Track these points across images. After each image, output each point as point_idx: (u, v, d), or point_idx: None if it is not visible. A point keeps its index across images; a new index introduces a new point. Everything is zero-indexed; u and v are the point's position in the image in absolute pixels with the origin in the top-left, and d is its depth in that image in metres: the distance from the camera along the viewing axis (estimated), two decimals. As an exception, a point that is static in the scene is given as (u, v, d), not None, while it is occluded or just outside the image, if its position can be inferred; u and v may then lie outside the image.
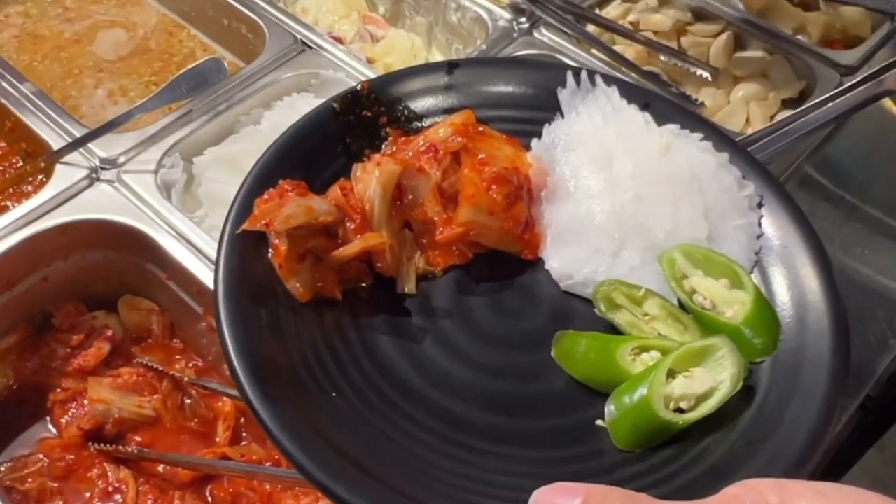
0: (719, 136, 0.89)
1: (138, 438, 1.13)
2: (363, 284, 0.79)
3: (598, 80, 0.92)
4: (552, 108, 0.91)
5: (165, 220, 1.15)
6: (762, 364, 0.75)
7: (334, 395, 0.71)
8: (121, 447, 1.10)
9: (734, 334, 0.74)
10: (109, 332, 1.19)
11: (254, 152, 1.22)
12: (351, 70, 1.34)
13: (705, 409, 0.70)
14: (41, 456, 1.11)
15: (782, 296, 0.79)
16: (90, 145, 1.23)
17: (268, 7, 1.45)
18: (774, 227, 0.83)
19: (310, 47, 1.39)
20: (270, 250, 0.75)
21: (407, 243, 0.81)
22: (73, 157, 1.22)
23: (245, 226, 0.75)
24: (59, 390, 1.15)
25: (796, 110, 1.11)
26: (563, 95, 0.91)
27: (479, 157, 0.82)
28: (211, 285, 1.08)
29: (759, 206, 0.85)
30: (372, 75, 1.32)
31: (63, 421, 1.13)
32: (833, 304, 0.77)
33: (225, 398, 1.13)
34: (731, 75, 1.39)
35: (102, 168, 1.21)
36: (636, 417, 0.71)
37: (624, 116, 0.90)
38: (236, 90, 1.31)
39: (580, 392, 0.75)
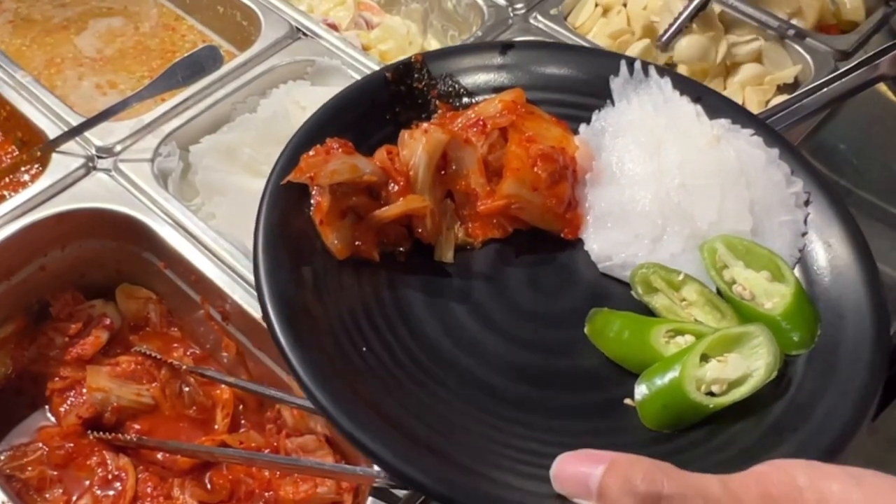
0: (770, 133, 0.89)
1: (137, 426, 1.14)
2: (401, 249, 0.79)
3: (652, 70, 0.92)
4: (603, 96, 0.91)
5: (162, 209, 1.15)
6: (798, 357, 0.75)
7: (364, 349, 0.72)
8: (120, 435, 1.10)
9: (773, 326, 0.74)
10: (107, 321, 1.19)
11: (249, 141, 1.24)
12: (346, 57, 1.34)
13: (737, 395, 0.70)
14: (40, 444, 1.11)
15: (823, 292, 0.79)
16: (86, 134, 1.22)
17: (262, -7, 1.45)
18: (820, 225, 0.83)
19: (305, 34, 1.39)
20: (312, 206, 0.76)
21: (448, 213, 0.82)
22: (70, 145, 1.22)
23: (290, 177, 0.76)
24: (57, 379, 1.15)
25: (792, 95, 1.12)
26: (615, 83, 0.92)
27: (527, 134, 0.83)
28: (208, 273, 1.10)
29: (807, 203, 0.85)
30: (368, 62, 1.32)
31: (62, 409, 1.14)
32: (875, 304, 0.77)
33: (223, 386, 1.14)
34: (724, 62, 1.39)
35: (99, 157, 1.21)
36: (667, 398, 0.71)
37: (675, 107, 0.90)
38: (232, 78, 1.30)
39: (610, 370, 0.76)
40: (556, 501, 0.61)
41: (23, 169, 1.26)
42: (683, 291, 0.79)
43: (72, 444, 1.10)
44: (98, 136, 1.23)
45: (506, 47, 0.94)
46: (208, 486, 1.09)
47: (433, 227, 0.79)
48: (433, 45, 1.53)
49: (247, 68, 1.32)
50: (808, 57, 1.36)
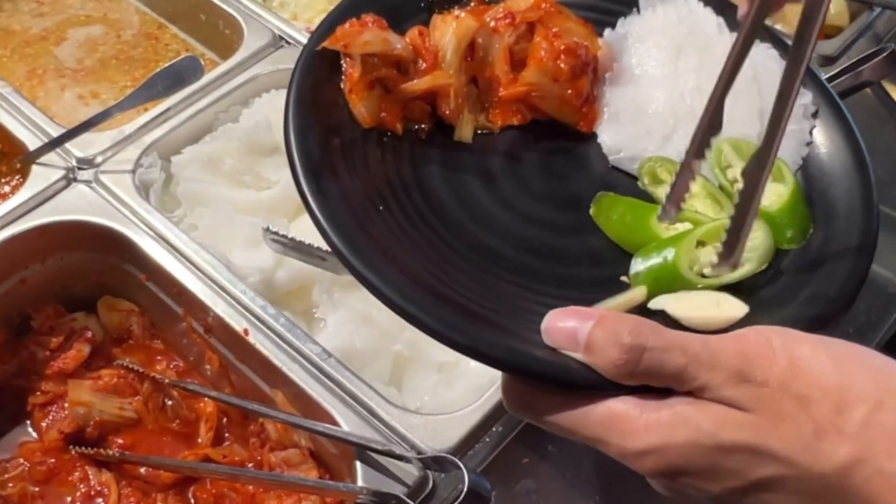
0: (785, 48, 0.92)
1: (120, 441, 1.13)
2: (424, 126, 0.83)
3: None
4: (630, 4, 0.94)
5: (143, 221, 1.14)
6: (790, 252, 0.78)
7: (381, 208, 0.75)
8: (102, 450, 1.09)
9: (768, 221, 0.77)
10: (89, 334, 1.18)
11: (231, 151, 1.24)
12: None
13: (726, 279, 0.72)
14: (22, 460, 1.10)
15: (819, 196, 0.83)
16: (67, 145, 1.21)
17: (245, 1, 1.44)
18: (824, 136, 0.87)
19: (288, 43, 1.38)
20: (343, 77, 0.80)
21: (471, 98, 0.85)
22: (50, 157, 1.21)
23: (325, 44, 0.79)
24: (38, 393, 1.14)
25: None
26: None
27: (554, 30, 0.86)
28: (190, 286, 1.09)
29: (814, 116, 0.88)
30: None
31: (44, 424, 1.12)
32: (866, 208, 0.81)
33: (207, 399, 1.13)
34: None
35: (79, 168, 1.20)
36: (659, 272, 0.73)
37: (698, 17, 0.93)
38: (213, 87, 1.29)
39: (611, 251, 0.79)
40: (545, 350, 0.63)
41: (3, 181, 1.25)
42: None
43: (53, 460, 1.09)
44: (79, 148, 1.22)
45: None
46: (192, 500, 1.08)
47: (456, 106, 0.83)
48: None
49: (229, 77, 1.31)
50: (792, 62, 1.36)
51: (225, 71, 1.31)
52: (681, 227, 0.77)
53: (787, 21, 1.44)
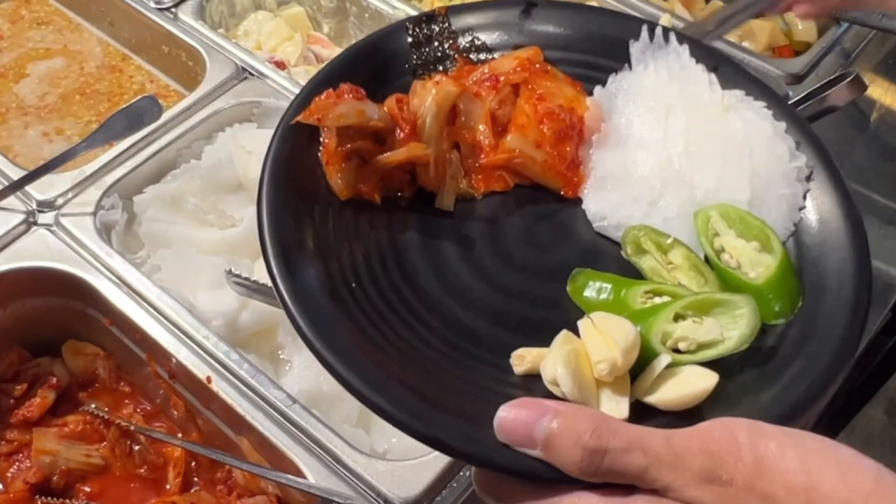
0: (782, 106, 0.89)
1: (87, 489, 1.11)
2: (404, 194, 0.81)
3: (672, 37, 0.92)
4: (622, 59, 0.91)
5: (105, 265, 1.13)
6: (776, 326, 0.75)
7: (354, 285, 0.73)
8: (69, 500, 1.07)
9: (755, 294, 0.74)
10: (54, 380, 1.16)
11: (194, 190, 1.22)
12: (293, 98, 1.31)
13: (701, 357, 0.69)
14: (-13, 512, 1.09)
15: (811, 266, 0.80)
16: (27, 187, 1.20)
17: (207, 33, 1.42)
18: (818, 200, 0.84)
19: (251, 75, 1.37)
20: (321, 147, 0.78)
21: (453, 163, 0.83)
22: (9, 200, 1.19)
23: (299, 117, 0.78)
24: (3, 442, 1.12)
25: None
26: (635, 48, 0.91)
27: (538, 92, 0.85)
28: (152, 332, 1.08)
29: (808, 178, 0.85)
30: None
31: (9, 474, 1.11)
32: (859, 282, 0.77)
33: (174, 443, 1.11)
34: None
35: (40, 211, 1.19)
36: None
37: (689, 75, 0.90)
38: (175, 123, 1.28)
39: None
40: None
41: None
42: (671, 255, 0.80)
43: (19, 511, 1.08)
44: (39, 190, 1.20)
45: (529, 5, 0.96)
46: (161, 548, 1.07)
47: (436, 175, 0.81)
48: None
49: (191, 112, 1.30)
50: (759, 81, 1.35)
51: (186, 106, 1.30)
52: (659, 300, 0.74)
53: (754, 38, 1.43)
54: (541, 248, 0.82)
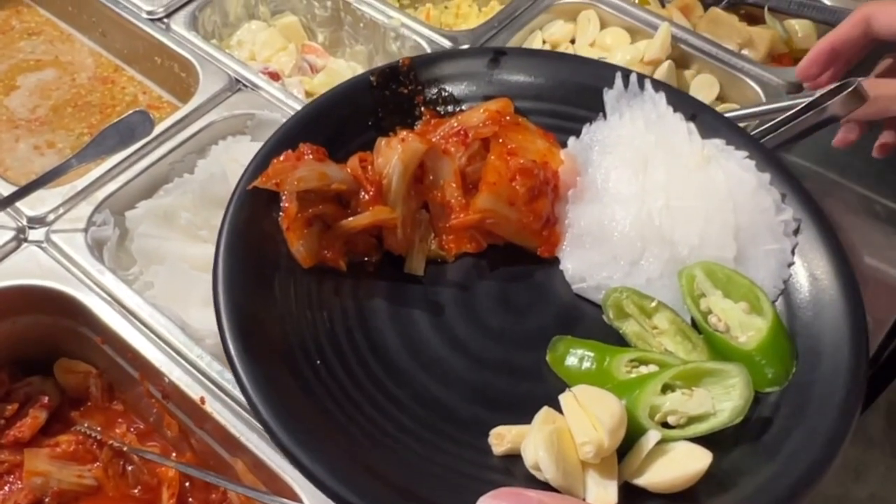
0: (766, 156, 0.85)
1: (80, 510, 1.10)
2: (371, 259, 0.77)
3: (647, 84, 0.88)
4: (596, 108, 0.88)
5: (97, 283, 1.11)
6: (770, 394, 0.72)
7: (318, 362, 0.69)
8: (60, 523, 1.06)
9: (745, 361, 0.71)
10: (45, 399, 1.15)
11: (187, 205, 1.20)
12: (287, 109, 1.30)
13: (693, 432, 0.66)
14: (-23, 536, 1.07)
15: (803, 327, 0.75)
16: (17, 204, 1.18)
17: (200, 43, 1.40)
18: (808, 255, 0.80)
19: (245, 86, 1.35)
20: (281, 213, 0.74)
21: (422, 224, 0.79)
22: (0, 216, 1.17)
23: (256, 182, 0.73)
24: (-6, 464, 1.11)
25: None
26: (609, 96, 0.88)
27: (509, 146, 0.80)
28: (144, 352, 1.06)
29: (796, 232, 0.81)
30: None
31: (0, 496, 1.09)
32: (855, 344, 0.73)
33: (168, 464, 1.09)
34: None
35: (30, 227, 1.17)
36: None
37: (667, 124, 0.86)
38: (167, 137, 1.26)
39: None
40: None
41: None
42: (655, 319, 0.76)
43: (10, 535, 1.06)
44: (29, 206, 1.18)
45: (498, 53, 0.91)
46: (154, 572, 1.05)
47: (403, 239, 0.77)
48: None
49: (183, 125, 1.28)
50: (758, 90, 1.33)
51: (179, 119, 1.28)
52: (645, 370, 0.71)
53: (754, 46, 1.42)
54: (517, 313, 0.78)
